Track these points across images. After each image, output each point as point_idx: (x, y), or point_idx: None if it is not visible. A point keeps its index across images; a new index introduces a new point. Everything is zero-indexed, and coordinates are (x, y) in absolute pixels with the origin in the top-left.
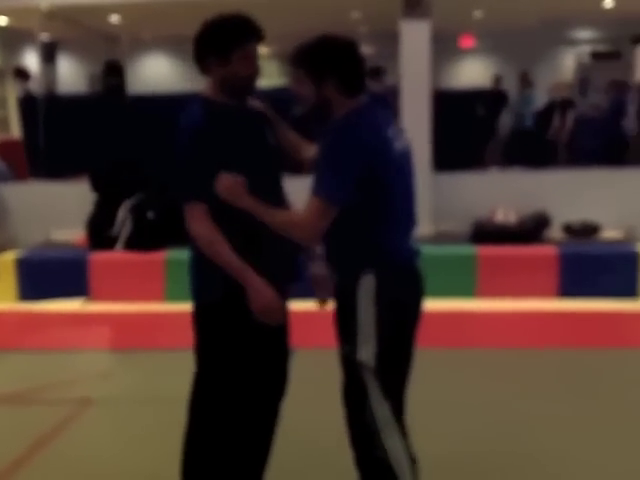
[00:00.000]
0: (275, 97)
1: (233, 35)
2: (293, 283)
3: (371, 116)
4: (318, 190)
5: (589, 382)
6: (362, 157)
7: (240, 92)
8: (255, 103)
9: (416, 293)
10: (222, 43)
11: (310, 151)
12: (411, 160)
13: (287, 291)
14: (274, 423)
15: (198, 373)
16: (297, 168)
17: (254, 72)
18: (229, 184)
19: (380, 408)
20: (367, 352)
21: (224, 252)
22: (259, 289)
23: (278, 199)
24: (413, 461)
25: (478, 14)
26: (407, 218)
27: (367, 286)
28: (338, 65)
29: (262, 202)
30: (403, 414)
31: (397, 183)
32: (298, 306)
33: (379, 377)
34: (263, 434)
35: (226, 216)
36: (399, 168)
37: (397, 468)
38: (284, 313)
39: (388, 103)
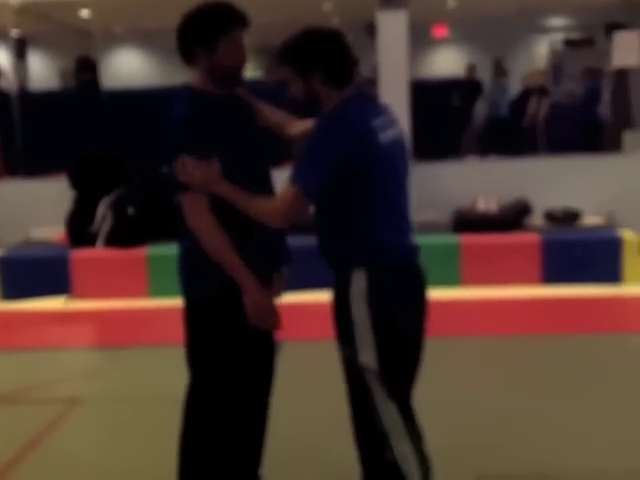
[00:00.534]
0: (250, 90)
1: (218, 22)
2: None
3: (356, 107)
4: (296, 179)
5: (573, 368)
6: (345, 149)
7: (228, 81)
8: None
9: (414, 292)
10: (208, 31)
11: (298, 126)
12: (404, 150)
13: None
14: (266, 417)
15: (191, 370)
16: (287, 145)
17: (241, 59)
18: (201, 171)
19: (386, 410)
20: (368, 355)
21: (223, 247)
22: (254, 292)
23: (267, 187)
24: (426, 463)
25: (452, 3)
26: (400, 212)
27: (358, 284)
28: (322, 57)
29: (251, 190)
30: (413, 414)
31: (387, 175)
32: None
33: (383, 379)
34: (257, 428)
35: (222, 207)
36: (389, 159)
37: (406, 470)
38: (278, 317)
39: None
